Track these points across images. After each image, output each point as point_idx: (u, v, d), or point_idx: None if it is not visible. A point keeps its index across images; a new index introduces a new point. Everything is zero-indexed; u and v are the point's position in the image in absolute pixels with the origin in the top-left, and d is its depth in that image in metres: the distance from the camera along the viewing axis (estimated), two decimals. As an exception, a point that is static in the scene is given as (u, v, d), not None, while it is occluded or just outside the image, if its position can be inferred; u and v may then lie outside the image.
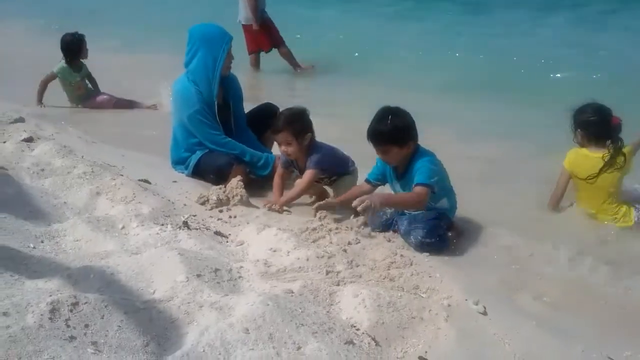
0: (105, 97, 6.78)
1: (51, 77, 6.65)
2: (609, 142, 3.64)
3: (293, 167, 3.94)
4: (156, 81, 6.61)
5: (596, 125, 3.67)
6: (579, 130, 3.75)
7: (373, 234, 3.35)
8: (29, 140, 4.44)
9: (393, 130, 3.31)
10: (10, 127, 4.94)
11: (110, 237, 2.79)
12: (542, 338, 2.38)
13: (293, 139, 3.71)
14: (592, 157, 3.66)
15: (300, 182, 3.83)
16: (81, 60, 6.75)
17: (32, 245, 2.62)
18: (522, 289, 2.92)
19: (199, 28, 4.26)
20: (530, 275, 3.09)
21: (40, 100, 6.62)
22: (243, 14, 8.84)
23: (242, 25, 8.86)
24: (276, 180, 3.93)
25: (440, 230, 3.29)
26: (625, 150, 3.63)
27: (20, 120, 5.30)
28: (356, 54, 9.72)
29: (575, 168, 3.73)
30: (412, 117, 3.40)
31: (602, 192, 3.67)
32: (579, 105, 3.75)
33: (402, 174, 3.45)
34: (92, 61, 6.91)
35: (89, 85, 6.87)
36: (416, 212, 3.39)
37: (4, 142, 4.34)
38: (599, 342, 2.43)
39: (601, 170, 3.58)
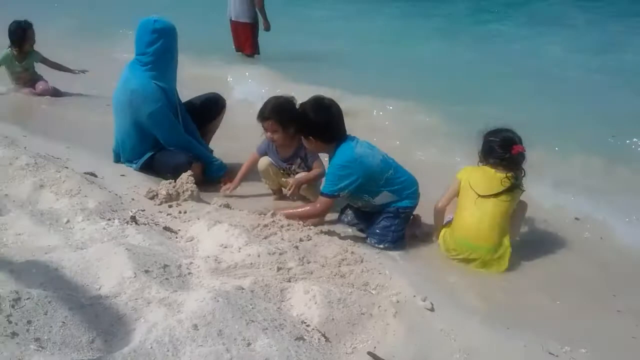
0: (42, 84, 6.52)
1: None
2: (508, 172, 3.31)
3: (268, 155, 3.98)
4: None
5: (496, 151, 3.36)
6: (481, 152, 3.48)
7: (324, 229, 3.38)
8: (-33, 129, 4.25)
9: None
10: (-54, 116, 4.72)
11: (54, 232, 2.70)
12: (486, 334, 2.46)
13: (279, 127, 3.74)
14: (493, 173, 3.34)
15: (316, 171, 3.86)
16: (29, 48, 6.47)
17: (-30, 239, 2.51)
18: (468, 287, 3.01)
19: (164, 23, 4.03)
20: (476, 275, 3.19)
21: None
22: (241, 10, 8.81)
23: (239, 22, 8.86)
24: (245, 165, 4.01)
25: (394, 234, 3.40)
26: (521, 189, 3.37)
27: (-43, 108, 5.07)
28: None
29: (472, 180, 3.39)
30: (326, 117, 3.40)
31: (490, 218, 3.28)
32: (489, 128, 3.46)
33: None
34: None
35: (36, 74, 6.62)
36: (372, 211, 3.49)
37: (-60, 131, 4.14)
38: (540, 338, 2.53)
39: (503, 191, 3.27)
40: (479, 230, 3.29)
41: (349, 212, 3.72)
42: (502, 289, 3.03)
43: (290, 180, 3.87)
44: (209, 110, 4.46)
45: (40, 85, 6.47)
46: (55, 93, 6.49)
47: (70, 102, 6.44)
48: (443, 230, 3.49)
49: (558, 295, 3.06)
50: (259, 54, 9.12)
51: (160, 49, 3.99)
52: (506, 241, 3.29)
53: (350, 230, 3.55)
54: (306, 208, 3.54)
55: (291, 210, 3.49)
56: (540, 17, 13.57)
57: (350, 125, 3.60)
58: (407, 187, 3.51)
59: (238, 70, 8.08)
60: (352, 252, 2.96)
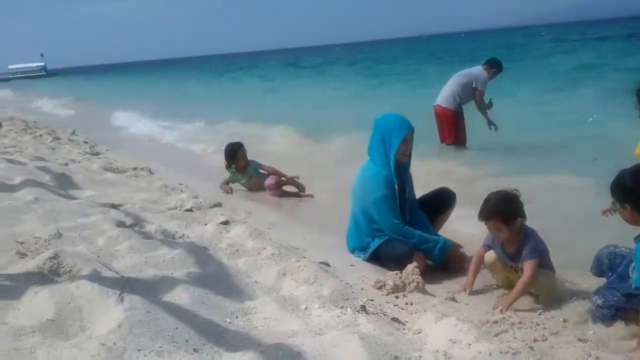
0: (271, 180, 7.23)
1: (225, 183, 7.40)
2: None
3: (493, 248, 3.85)
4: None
5: None
6: None
7: (560, 331, 3.11)
8: (226, 223, 4.94)
9: None
10: (210, 211, 5.58)
11: (295, 317, 2.94)
12: None
13: (503, 226, 3.65)
14: None
15: (523, 278, 3.58)
16: (243, 163, 7.34)
17: (228, 320, 2.86)
18: None
19: (380, 117, 4.46)
20: None
21: (227, 192, 7.30)
22: (445, 96, 8.96)
23: (440, 107, 8.98)
24: (473, 261, 3.90)
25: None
26: None
27: (218, 205, 5.95)
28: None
29: None
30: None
31: None
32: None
33: None
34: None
35: (263, 177, 7.38)
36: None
37: (205, 225, 4.89)
38: None
39: None
40: None
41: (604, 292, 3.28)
42: None
43: (518, 276, 3.67)
44: (438, 203, 4.65)
45: (267, 182, 7.26)
46: (300, 188, 7.24)
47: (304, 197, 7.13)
48: None
49: None
50: (464, 145, 8.97)
51: (374, 140, 4.39)
52: None
53: (591, 333, 3.19)
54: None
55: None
56: None
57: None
58: None
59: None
60: (597, 357, 2.66)
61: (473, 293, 3.79)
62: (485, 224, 3.72)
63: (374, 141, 4.40)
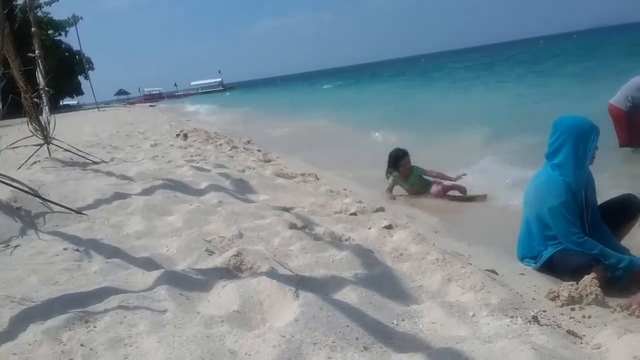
0: (436, 188, 7.27)
1: (390, 186, 7.58)
2: None
3: None
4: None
5: None
6: None
7: None
8: (389, 227, 5.03)
9: None
10: (374, 215, 5.71)
11: (462, 323, 2.91)
12: None
13: None
14: None
15: None
16: (404, 172, 7.47)
17: (395, 322, 2.93)
18: None
19: (567, 119, 4.17)
20: None
21: (391, 198, 7.54)
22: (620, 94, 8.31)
23: (611, 105, 8.35)
24: None
25: None
26: None
27: (381, 209, 6.05)
28: None
29: None
30: None
31: None
32: None
33: None
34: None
35: (424, 183, 7.51)
36: None
37: (369, 228, 5.02)
38: None
39: None
40: None
41: None
42: None
43: None
44: (623, 212, 4.27)
45: (433, 190, 7.29)
46: (461, 190, 7.21)
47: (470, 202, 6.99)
48: None
49: None
50: (633, 149, 8.11)
51: (558, 144, 4.08)
52: None
53: None
54: None
55: None
56: None
57: None
58: None
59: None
60: None
61: None
62: None
63: (560, 145, 4.10)
